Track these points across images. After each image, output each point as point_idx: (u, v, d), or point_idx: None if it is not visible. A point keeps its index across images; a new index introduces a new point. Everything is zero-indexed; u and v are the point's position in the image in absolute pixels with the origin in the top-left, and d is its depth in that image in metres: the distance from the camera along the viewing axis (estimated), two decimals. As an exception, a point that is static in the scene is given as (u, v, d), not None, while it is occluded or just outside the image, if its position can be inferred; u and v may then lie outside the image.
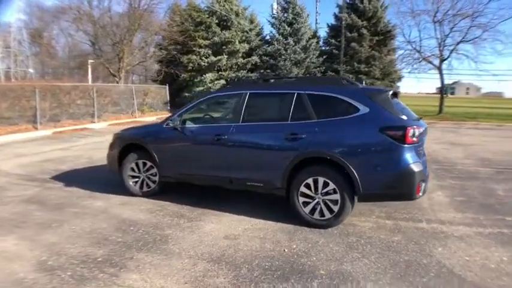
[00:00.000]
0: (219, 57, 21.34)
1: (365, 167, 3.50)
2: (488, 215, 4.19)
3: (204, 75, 21.18)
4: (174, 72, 20.79)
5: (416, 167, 3.44)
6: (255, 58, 22.61)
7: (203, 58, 21.16)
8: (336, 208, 3.65)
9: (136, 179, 4.86)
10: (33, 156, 7.89)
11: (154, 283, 2.65)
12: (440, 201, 4.69)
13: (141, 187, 4.86)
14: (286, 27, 21.97)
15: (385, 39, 24.69)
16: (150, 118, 17.67)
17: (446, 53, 19.53)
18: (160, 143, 4.65)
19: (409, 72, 22.28)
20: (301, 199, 3.80)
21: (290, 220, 3.91)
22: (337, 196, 3.63)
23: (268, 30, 50.33)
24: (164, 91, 20.29)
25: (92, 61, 23.94)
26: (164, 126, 4.67)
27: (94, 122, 13.79)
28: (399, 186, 3.48)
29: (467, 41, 18.68)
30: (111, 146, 5.13)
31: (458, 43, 18.94)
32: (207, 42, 21.30)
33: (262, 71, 22.93)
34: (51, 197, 4.87)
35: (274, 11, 26.72)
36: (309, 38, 22.88)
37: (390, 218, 4.05)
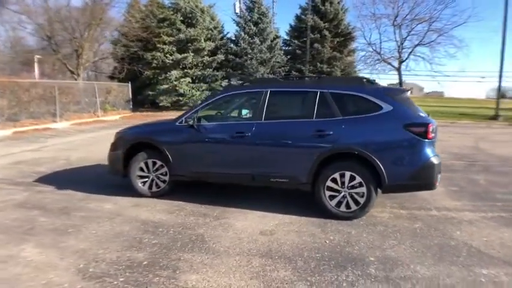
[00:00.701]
0: (184, 54, 20.86)
1: (390, 160, 3.72)
2: (482, 201, 4.67)
3: (169, 73, 20.56)
4: (138, 70, 19.92)
5: (435, 160, 3.74)
6: (220, 56, 22.47)
7: (168, 55, 20.54)
8: (362, 200, 3.83)
9: (145, 179, 4.65)
10: (2, 159, 7.13)
11: (219, 282, 2.59)
12: (437, 192, 5.10)
13: (150, 187, 4.66)
14: (252, 26, 22.12)
15: (345, 40, 25.95)
16: (114, 117, 16.83)
17: (404, 55, 21.16)
18: (174, 141, 4.48)
19: (370, 73, 23.59)
20: (328, 193, 3.92)
21: (312, 213, 4.01)
22: (363, 189, 3.81)
23: (229, 29, 50.26)
24: (126, 89, 19.37)
25: (39, 57, 22.04)
26: (177, 124, 4.52)
27: (56, 122, 12.77)
28: (422, 178, 3.75)
29: (424, 44, 20.40)
30: (114, 146, 4.83)
31: (415, 46, 20.63)
32: (171, 39, 20.71)
33: (228, 69, 22.89)
34: (48, 201, 4.48)
35: (237, 10, 26.78)
36: (274, 38, 23.25)
37: (403, 208, 4.34)
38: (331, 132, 3.87)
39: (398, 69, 21.85)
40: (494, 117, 18.65)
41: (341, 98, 4.00)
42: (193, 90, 21.66)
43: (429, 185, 3.77)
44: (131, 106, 19.69)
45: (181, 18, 21.07)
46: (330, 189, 3.91)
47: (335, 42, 25.54)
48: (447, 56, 22.93)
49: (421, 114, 3.87)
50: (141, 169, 4.63)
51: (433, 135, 3.75)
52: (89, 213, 4.08)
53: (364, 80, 4.31)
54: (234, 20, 24.70)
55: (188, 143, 4.43)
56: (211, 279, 2.63)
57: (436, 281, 2.66)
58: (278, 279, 2.63)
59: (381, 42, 22.77)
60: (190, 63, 21.49)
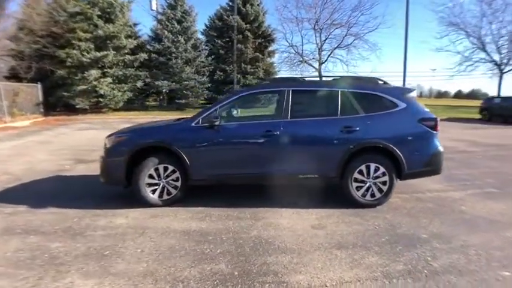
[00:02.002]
0: (103, 52, 18.92)
1: (409, 151, 4.16)
2: (456, 182, 5.54)
3: (86, 72, 18.39)
4: (49, 69, 17.28)
5: (442, 149, 4.33)
6: (143, 55, 21.09)
7: (84, 53, 18.33)
8: (384, 188, 4.20)
9: (155, 187, 4.21)
10: None
11: (330, 276, 2.58)
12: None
13: (161, 195, 4.23)
14: (176, 24, 21.34)
15: (266, 42, 27.08)
16: (23, 123, 14.37)
17: (324, 57, 23.18)
18: (192, 143, 4.16)
19: (291, 74, 25.09)
20: (355, 184, 4.20)
21: (335, 205, 4.25)
22: (386, 178, 4.18)
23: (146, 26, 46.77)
24: (36, 90, 16.69)
25: None
26: (193, 124, 4.21)
27: (-47, 131, 10.25)
28: (433, 164, 4.30)
29: (342, 47, 22.64)
30: (111, 152, 4.24)
31: (334, 49, 22.74)
32: (88, 35, 18.56)
33: (152, 69, 21.62)
34: (38, 223, 3.68)
35: (153, 7, 25.54)
36: (198, 37, 22.88)
37: (404, 193, 4.82)
38: (357, 128, 4.14)
39: (319, 70, 23.84)
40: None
41: (361, 96, 4.30)
42: (114, 91, 19.86)
43: (438, 170, 4.35)
44: (42, 109, 17.00)
45: (99, 13, 19.05)
46: (356, 180, 4.19)
47: (256, 43, 26.49)
48: (361, 58, 25.56)
49: (427, 110, 4.44)
50: (151, 176, 4.17)
51: (439, 127, 4.35)
52: (107, 231, 3.51)
53: (379, 80, 4.71)
54: (155, 17, 23.50)
55: (209, 144, 4.17)
56: (318, 275, 2.60)
57: (489, 245, 3.16)
58: (376, 265, 2.77)
59: (302, 45, 24.47)
60: (110, 62, 19.64)
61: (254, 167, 4.22)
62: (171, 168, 4.21)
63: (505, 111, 17.99)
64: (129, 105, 21.45)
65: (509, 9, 23.53)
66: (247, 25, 25.19)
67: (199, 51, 22.23)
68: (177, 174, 4.22)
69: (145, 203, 4.21)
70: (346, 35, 22.42)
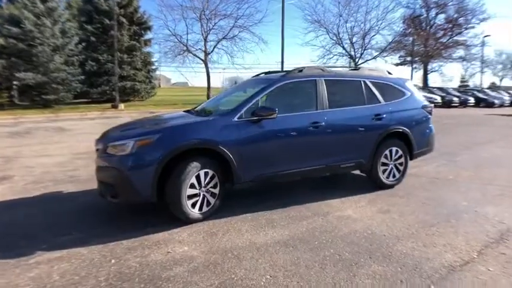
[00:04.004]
0: None
1: (418, 133, 4.68)
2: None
3: None
4: None
5: (434, 130, 5.07)
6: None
7: None
8: (401, 168, 4.64)
9: (195, 199, 3.40)
10: None
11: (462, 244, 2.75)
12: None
13: (201, 208, 3.47)
14: (39, 3, 17.02)
15: (142, 29, 24.74)
16: None
17: (210, 48, 22.80)
18: (239, 141, 3.52)
19: (177, 66, 23.82)
20: (381, 168, 4.47)
21: (367, 189, 4.50)
22: (402, 159, 4.61)
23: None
24: None
25: None
26: (236, 119, 3.57)
27: None
28: (431, 144, 4.96)
29: (228, 39, 22.72)
30: (135, 160, 3.17)
31: (220, 40, 22.61)
32: None
33: (11, 57, 16.62)
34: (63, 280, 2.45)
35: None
36: (67, 20, 18.96)
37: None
38: (384, 116, 4.39)
39: (205, 61, 23.41)
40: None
41: (380, 86, 4.57)
42: None
43: (432, 149, 5.06)
44: None
45: None
46: (383, 164, 4.47)
47: (132, 31, 23.98)
48: (245, 51, 26.03)
49: (423, 97, 5.09)
50: (192, 186, 3.35)
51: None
52: (187, 265, 2.62)
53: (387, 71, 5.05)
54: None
55: (257, 141, 3.63)
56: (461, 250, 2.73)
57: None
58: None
59: (187, 34, 23.39)
60: None
61: (302, 161, 3.94)
62: (211, 173, 3.48)
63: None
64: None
65: (361, 11, 28.52)
66: (121, 10, 22.40)
67: (69, 37, 18.37)
68: (216, 179, 3.53)
69: (185, 220, 3.37)
70: (233, 27, 22.78)
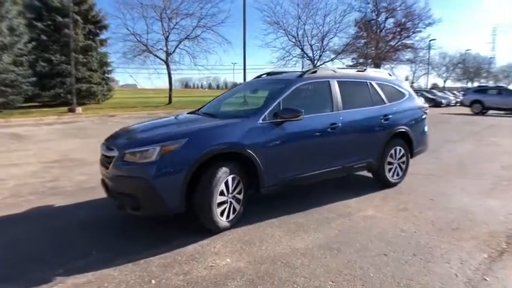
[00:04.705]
0: None
1: (416, 133, 4.87)
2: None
3: None
4: None
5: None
6: None
7: None
8: (404, 167, 4.82)
9: (224, 206, 3.23)
10: None
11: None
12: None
13: (228, 215, 3.29)
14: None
15: (97, 28, 23.28)
16: None
17: (172, 48, 22.05)
18: (265, 144, 3.39)
19: (137, 67, 22.71)
20: (388, 167, 4.60)
21: (374, 188, 4.62)
22: (404, 158, 4.79)
23: None
24: None
25: None
26: (261, 121, 3.45)
27: None
28: (426, 143, 5.20)
29: (190, 39, 22.10)
30: (162, 167, 2.91)
31: (182, 40, 21.93)
32: None
33: None
34: None
35: None
36: (16, 17, 17.20)
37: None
38: (390, 116, 4.52)
39: (166, 62, 22.60)
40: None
41: (383, 87, 4.70)
42: None
43: (427, 148, 5.32)
44: None
45: None
46: (388, 163, 4.60)
47: (87, 30, 22.50)
48: (208, 51, 25.23)
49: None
50: (222, 193, 3.17)
51: None
52: (255, 278, 2.47)
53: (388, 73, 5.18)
54: None
55: (281, 143, 3.52)
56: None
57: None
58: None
59: (147, 33, 22.35)
60: None
61: (321, 163, 3.92)
62: (237, 178, 3.32)
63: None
64: None
65: (320, 13, 29.24)
66: (75, 7, 20.87)
67: (18, 35, 16.63)
68: (240, 184, 3.38)
69: (215, 230, 3.18)
70: (196, 26, 22.24)
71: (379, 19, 38.86)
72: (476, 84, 55.94)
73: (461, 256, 2.75)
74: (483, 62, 62.51)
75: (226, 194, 3.21)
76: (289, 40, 30.61)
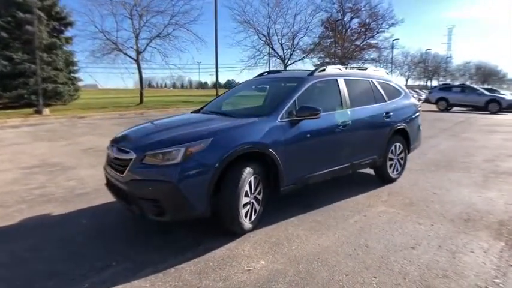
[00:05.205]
0: None
1: (413, 129, 5.07)
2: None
3: None
4: None
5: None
6: None
7: None
8: (402, 162, 5.00)
9: (247, 207, 3.17)
10: None
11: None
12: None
13: (250, 217, 3.24)
14: None
15: (62, 25, 21.98)
16: None
17: (143, 47, 21.29)
18: (285, 143, 3.36)
19: (105, 67, 21.70)
20: (389, 163, 4.74)
21: (376, 184, 4.75)
22: (403, 154, 4.97)
23: None
24: None
25: None
26: (279, 120, 3.41)
27: None
28: (420, 139, 5.43)
29: (162, 37, 21.43)
30: (187, 169, 2.79)
31: (154, 37, 21.21)
32: None
33: None
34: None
35: None
36: None
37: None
38: (391, 113, 4.66)
39: (137, 61, 21.78)
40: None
41: (382, 85, 4.84)
42: None
43: (420, 144, 5.55)
44: None
45: None
46: (389, 159, 4.75)
47: (51, 26, 21.20)
48: (180, 50, 24.38)
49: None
50: (246, 194, 3.11)
51: None
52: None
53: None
54: None
55: (298, 141, 3.51)
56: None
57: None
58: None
59: (117, 31, 21.34)
60: None
61: (333, 160, 3.96)
62: (258, 178, 3.28)
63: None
64: None
65: (290, 12, 29.46)
66: (38, 2, 19.56)
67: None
68: (260, 184, 3.34)
69: (240, 233, 3.12)
70: (168, 24, 21.59)
71: (344, 19, 40.05)
72: (435, 82, 59.37)
73: (482, 245, 2.90)
74: (441, 61, 66.54)
75: (249, 195, 3.15)
76: (260, 39, 30.74)
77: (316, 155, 3.74)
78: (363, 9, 38.83)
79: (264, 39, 30.72)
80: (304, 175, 3.64)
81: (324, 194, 4.36)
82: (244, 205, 3.10)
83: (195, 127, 3.30)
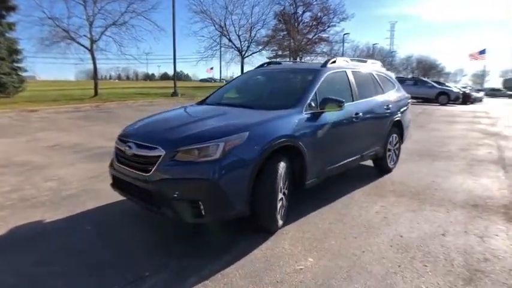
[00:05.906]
0: None
1: (405, 120, 5.29)
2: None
3: None
4: None
5: (408, 117, 5.79)
6: None
7: None
8: (397, 153, 5.21)
9: (280, 203, 3.06)
10: None
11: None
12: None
13: (281, 212, 3.13)
14: None
15: (4, 9, 19.52)
16: None
17: (97, 35, 19.68)
18: (310, 136, 3.29)
19: (54, 57, 19.75)
20: (388, 153, 4.91)
21: (369, 177, 4.78)
22: (398, 145, 5.19)
23: None
24: None
25: None
26: (304, 113, 3.32)
27: None
28: (409, 130, 5.68)
29: (118, 25, 19.95)
30: (226, 165, 2.61)
31: (110, 25, 19.68)
32: None
33: None
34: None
35: None
36: None
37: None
38: (390, 105, 4.81)
39: (91, 50, 20.12)
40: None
41: (380, 77, 4.96)
42: None
43: (409, 135, 5.80)
44: None
45: None
46: (388, 150, 4.92)
47: (-14, 10, 18.79)
48: (136, 39, 22.73)
49: None
50: (280, 189, 3.00)
51: None
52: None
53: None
54: None
55: (321, 134, 3.45)
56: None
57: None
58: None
59: (68, 18, 19.37)
60: None
61: (349, 152, 4.00)
62: (286, 172, 3.18)
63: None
64: None
65: (248, 3, 29.07)
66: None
67: None
68: (287, 179, 3.25)
69: (274, 230, 3.02)
70: (125, 12, 20.14)
71: (297, 12, 40.45)
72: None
73: (501, 228, 3.11)
74: (387, 55, 70.68)
75: (282, 190, 3.05)
76: (216, 29, 30.20)
77: (335, 147, 3.73)
78: (314, 3, 39.36)
79: (220, 30, 30.19)
80: (324, 168, 3.61)
81: (334, 187, 4.32)
82: (278, 201, 2.99)
83: (223, 120, 3.09)
